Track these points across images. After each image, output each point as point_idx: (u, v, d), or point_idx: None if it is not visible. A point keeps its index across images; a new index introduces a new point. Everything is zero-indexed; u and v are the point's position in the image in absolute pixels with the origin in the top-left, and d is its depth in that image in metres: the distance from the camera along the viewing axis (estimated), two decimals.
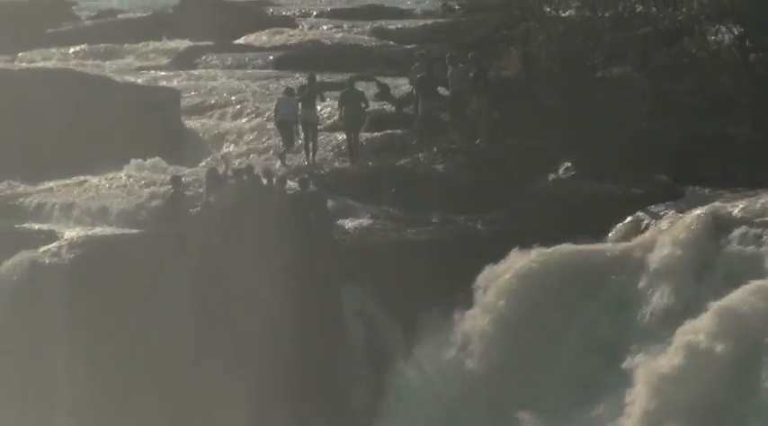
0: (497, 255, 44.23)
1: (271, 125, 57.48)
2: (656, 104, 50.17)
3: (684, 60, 52.23)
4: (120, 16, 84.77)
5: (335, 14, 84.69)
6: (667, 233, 43.19)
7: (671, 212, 44.61)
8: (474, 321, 44.17)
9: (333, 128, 57.67)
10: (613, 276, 43.09)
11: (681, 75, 51.39)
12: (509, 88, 53.28)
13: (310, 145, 54.83)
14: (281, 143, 56.43)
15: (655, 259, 42.50)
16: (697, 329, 40.69)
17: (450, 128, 54.04)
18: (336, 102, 56.71)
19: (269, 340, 45.99)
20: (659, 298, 42.42)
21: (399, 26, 73.55)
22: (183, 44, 74.54)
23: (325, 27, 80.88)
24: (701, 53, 52.61)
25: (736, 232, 42.48)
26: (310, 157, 54.63)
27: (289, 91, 58.04)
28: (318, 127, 56.40)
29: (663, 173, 47.32)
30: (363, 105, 54.49)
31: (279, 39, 74.90)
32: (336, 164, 54.18)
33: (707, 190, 46.22)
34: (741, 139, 48.26)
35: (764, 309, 40.36)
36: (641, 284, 42.57)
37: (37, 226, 48.41)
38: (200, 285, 45.63)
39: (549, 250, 44.13)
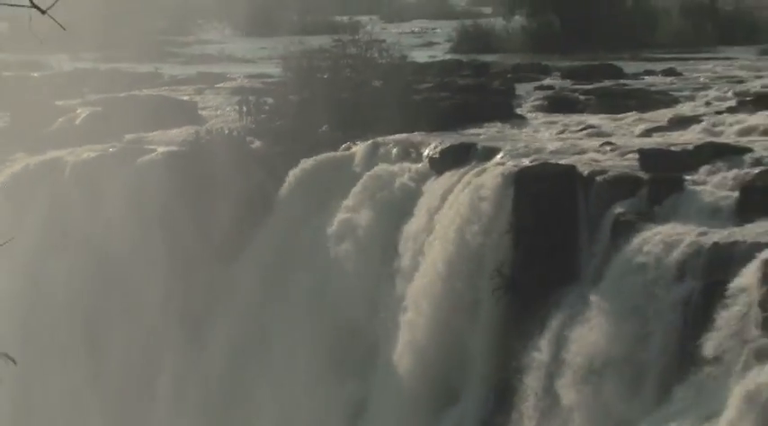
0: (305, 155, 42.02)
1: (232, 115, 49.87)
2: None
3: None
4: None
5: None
6: (360, 149, 41.90)
7: (362, 142, 42.16)
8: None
9: None
10: (340, 166, 41.78)
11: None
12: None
13: None
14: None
15: (357, 160, 41.29)
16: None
17: None
18: None
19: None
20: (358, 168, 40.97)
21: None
22: (197, 87, 60.70)
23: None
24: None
25: (383, 149, 41.13)
26: None
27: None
28: None
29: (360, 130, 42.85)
30: None
31: (227, 85, 60.40)
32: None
33: (371, 135, 42.21)
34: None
35: None
36: (349, 171, 41.31)
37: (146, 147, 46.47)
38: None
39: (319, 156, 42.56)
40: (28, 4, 6.51)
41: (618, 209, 32.75)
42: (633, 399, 30.25)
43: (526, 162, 36.25)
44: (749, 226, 30.15)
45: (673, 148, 36.17)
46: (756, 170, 32.44)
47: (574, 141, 40.20)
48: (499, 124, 43.87)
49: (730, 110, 43.12)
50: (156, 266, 41.79)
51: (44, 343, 41.91)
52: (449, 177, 37.27)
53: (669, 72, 57.16)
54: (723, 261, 29.42)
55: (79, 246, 43.28)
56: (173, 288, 41.95)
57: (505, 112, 45.84)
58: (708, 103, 45.68)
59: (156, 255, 41.92)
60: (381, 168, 40.12)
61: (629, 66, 58.41)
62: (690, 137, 38.37)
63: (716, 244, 29.83)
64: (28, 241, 41.89)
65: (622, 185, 33.56)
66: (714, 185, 32.43)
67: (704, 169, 33.41)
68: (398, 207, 38.00)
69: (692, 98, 47.58)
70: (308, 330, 38.97)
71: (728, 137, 37.64)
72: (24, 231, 41.68)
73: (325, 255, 39.37)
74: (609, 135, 40.75)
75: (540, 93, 50.57)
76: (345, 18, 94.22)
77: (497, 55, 69.20)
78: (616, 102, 46.75)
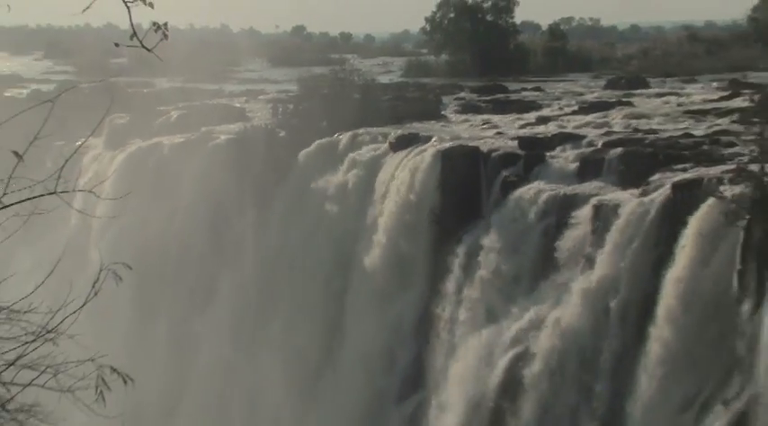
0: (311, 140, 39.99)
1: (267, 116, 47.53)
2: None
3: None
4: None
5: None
6: (345, 136, 39.34)
7: (346, 132, 39.57)
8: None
9: None
10: (333, 147, 39.17)
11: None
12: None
13: None
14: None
15: (343, 143, 39.09)
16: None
17: None
18: None
19: None
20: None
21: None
22: (245, 99, 58.86)
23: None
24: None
25: (360, 137, 39.01)
26: None
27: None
28: None
29: (346, 125, 40.04)
30: None
31: (264, 97, 57.03)
32: None
33: (353, 128, 39.61)
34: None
35: None
36: (338, 150, 38.88)
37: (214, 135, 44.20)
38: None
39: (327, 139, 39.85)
40: (139, 45, 6.30)
41: (505, 173, 32.54)
42: (513, 289, 30.39)
43: (449, 144, 35.86)
44: (585, 183, 30.09)
45: (538, 135, 35.94)
46: (589, 149, 32.32)
47: (478, 131, 39.82)
48: (432, 121, 43.08)
49: (573, 112, 42.91)
50: (219, 204, 41.12)
51: (152, 255, 41.06)
52: (401, 154, 36.35)
53: (536, 89, 56.63)
54: (569, 205, 29.39)
55: (174, 196, 42.58)
56: (233, 211, 41.20)
57: (436, 114, 45.31)
58: (560, 108, 45.10)
59: (220, 199, 41.10)
60: (360, 149, 39.24)
61: (512, 86, 57.91)
62: (549, 129, 38.03)
63: (565, 194, 29.86)
64: (141, 194, 41.03)
65: (507, 158, 33.24)
66: (564, 158, 32.18)
67: (558, 149, 33.18)
68: (369, 172, 37.09)
69: (550, 105, 46.81)
70: (314, 242, 38.37)
71: (572, 128, 37.33)
72: (138, 187, 41.21)
73: (326, 201, 38.76)
74: (499, 127, 40.28)
75: (457, 102, 49.76)
76: (337, 55, 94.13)
77: (430, 78, 68.69)
78: (504, 107, 46.14)
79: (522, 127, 39.81)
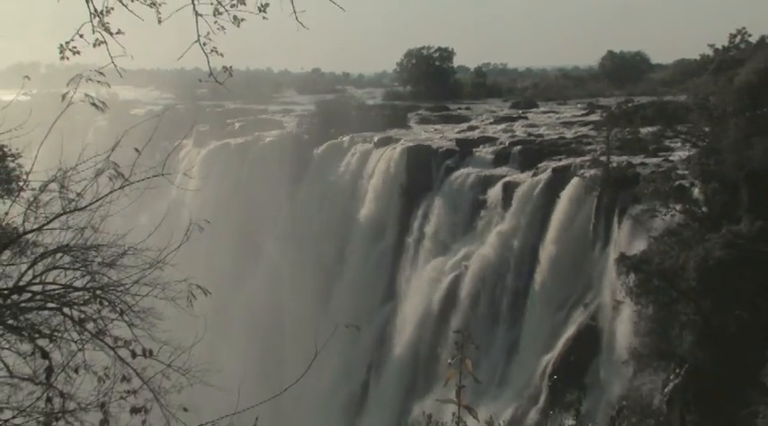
0: (324, 141, 38.04)
1: (296, 126, 42.88)
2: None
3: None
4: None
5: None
6: (346, 139, 37.26)
7: (346, 136, 37.31)
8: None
9: None
10: (338, 146, 37.04)
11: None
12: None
13: None
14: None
15: (345, 144, 36.93)
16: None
17: None
18: None
19: None
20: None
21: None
22: (282, 114, 54.22)
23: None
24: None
25: (355, 139, 36.64)
26: None
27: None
28: None
29: (346, 132, 37.61)
30: None
31: (294, 113, 49.75)
32: None
33: (350, 133, 37.20)
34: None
35: None
36: (342, 148, 37.22)
37: (263, 138, 42.08)
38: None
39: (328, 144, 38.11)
40: (214, 81, 6.29)
41: (447, 162, 32.36)
42: (453, 235, 30.16)
43: (412, 143, 35.44)
44: (498, 168, 30.14)
45: (468, 138, 35.50)
46: (500, 146, 32.13)
47: (430, 135, 39.23)
48: (401, 129, 42.23)
49: (490, 123, 42.40)
50: (266, 182, 39.34)
51: (223, 213, 39.08)
52: (382, 149, 35.20)
53: (467, 108, 55.68)
54: (488, 182, 29.44)
55: (237, 177, 41.37)
56: (275, 186, 39.11)
57: (403, 124, 44.33)
58: (482, 121, 44.29)
59: (266, 178, 39.36)
60: (355, 146, 38.08)
61: (452, 106, 56.91)
62: (475, 133, 37.48)
63: (485, 175, 29.94)
64: (216, 176, 40.31)
65: (449, 153, 32.95)
66: (485, 153, 31.98)
67: (481, 146, 32.92)
68: (361, 161, 35.85)
69: (475, 118, 46.02)
70: (326, 206, 36.77)
71: (489, 133, 36.80)
72: (213, 172, 40.37)
73: (334, 181, 37.68)
74: (444, 132, 39.68)
75: (417, 117, 48.68)
76: (340, 87, 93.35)
77: (400, 101, 67.86)
78: (447, 120, 45.44)
79: (458, 132, 39.33)
